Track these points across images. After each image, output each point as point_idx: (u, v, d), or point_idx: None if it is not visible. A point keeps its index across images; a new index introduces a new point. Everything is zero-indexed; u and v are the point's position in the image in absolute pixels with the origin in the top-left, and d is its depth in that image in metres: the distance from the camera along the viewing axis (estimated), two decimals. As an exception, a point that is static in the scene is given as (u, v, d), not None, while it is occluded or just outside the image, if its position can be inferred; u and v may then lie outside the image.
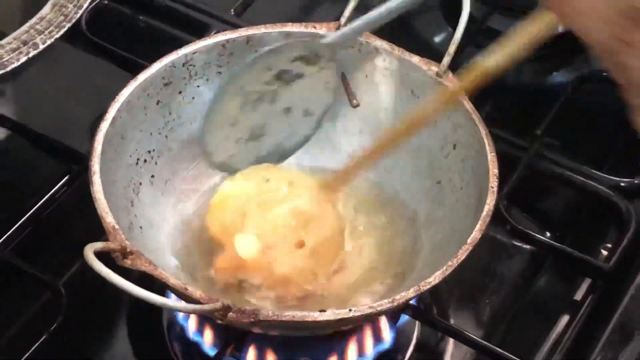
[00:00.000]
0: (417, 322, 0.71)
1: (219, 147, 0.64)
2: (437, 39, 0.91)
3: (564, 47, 0.92)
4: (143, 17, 0.90)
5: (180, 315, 0.69)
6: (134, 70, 0.74)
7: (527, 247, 0.76)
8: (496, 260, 0.76)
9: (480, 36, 0.90)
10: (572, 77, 0.86)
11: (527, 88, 0.91)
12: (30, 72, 0.84)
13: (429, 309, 0.71)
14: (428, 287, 0.59)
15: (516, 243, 0.76)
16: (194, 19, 0.88)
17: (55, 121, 0.83)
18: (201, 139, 0.63)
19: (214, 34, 0.76)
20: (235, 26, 0.83)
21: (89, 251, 0.55)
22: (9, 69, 0.64)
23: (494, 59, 0.55)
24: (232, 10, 0.88)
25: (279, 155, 0.69)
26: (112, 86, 0.73)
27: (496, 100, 0.87)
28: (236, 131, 0.65)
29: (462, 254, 0.60)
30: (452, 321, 0.71)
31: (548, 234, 0.77)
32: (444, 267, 0.60)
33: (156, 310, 0.71)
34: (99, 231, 0.64)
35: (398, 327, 0.70)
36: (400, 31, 0.91)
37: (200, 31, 0.85)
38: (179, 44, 0.72)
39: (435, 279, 0.59)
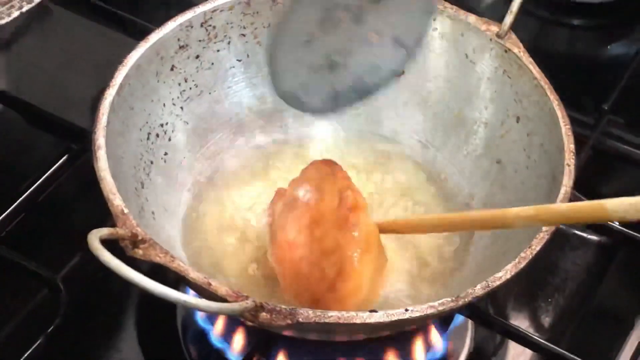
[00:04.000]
0: (470, 323, 0.62)
1: (289, 69, 0.55)
2: (484, 3, 0.82)
3: (620, 16, 0.84)
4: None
5: (199, 316, 0.60)
6: (142, 36, 0.65)
7: (593, 238, 0.68)
8: (558, 253, 0.68)
9: (530, 2, 0.81)
10: (633, 48, 0.78)
11: (581, 59, 0.83)
12: (25, 41, 0.76)
13: (485, 309, 0.62)
14: (498, 282, 0.51)
15: (579, 233, 0.68)
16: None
17: (53, 95, 0.75)
18: (269, 54, 0.52)
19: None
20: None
21: (94, 238, 0.46)
22: (-1, 23, 0.55)
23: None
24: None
25: (358, 93, 0.58)
26: (116, 56, 0.66)
27: (547, 73, 0.79)
28: (311, 53, 0.55)
29: (537, 244, 0.52)
30: (510, 322, 0.62)
31: (617, 223, 0.67)
32: (516, 260, 0.51)
33: (169, 310, 0.62)
34: (103, 218, 0.56)
35: (450, 329, 0.60)
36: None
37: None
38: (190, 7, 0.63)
39: (506, 273, 0.51)
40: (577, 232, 0.68)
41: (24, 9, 0.57)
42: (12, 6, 0.57)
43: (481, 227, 0.56)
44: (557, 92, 0.65)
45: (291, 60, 0.53)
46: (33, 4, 0.57)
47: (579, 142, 0.67)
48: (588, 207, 0.46)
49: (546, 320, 0.64)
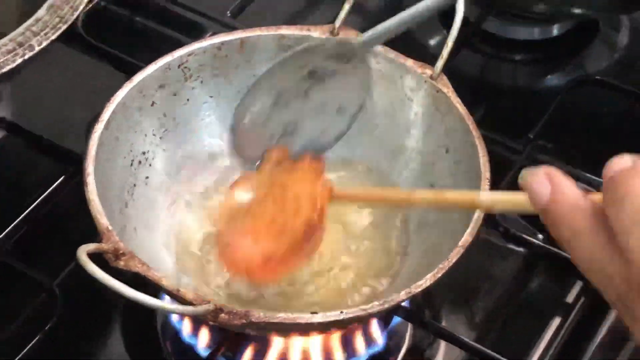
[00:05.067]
0: (409, 324, 0.71)
1: (251, 145, 0.63)
2: (433, 42, 0.91)
3: (557, 50, 0.93)
4: (140, 19, 0.91)
5: (174, 317, 0.69)
6: (130, 71, 0.74)
7: (520, 250, 0.76)
8: (489, 262, 0.76)
9: (475, 39, 0.91)
10: (566, 80, 0.87)
11: (521, 91, 0.91)
12: (26, 73, 0.82)
13: (421, 311, 0.71)
14: (419, 289, 0.59)
15: (509, 246, 0.76)
16: (191, 21, 0.88)
17: (51, 122, 0.83)
18: (232, 137, 0.62)
19: (210, 35, 0.77)
20: (231, 28, 0.83)
21: (82, 253, 0.56)
22: (4, 69, 0.64)
23: (494, 199, 0.55)
24: (228, 13, 0.88)
25: (314, 151, 0.67)
26: (108, 87, 0.74)
27: (490, 103, 0.88)
28: (268, 129, 0.63)
29: (454, 257, 0.60)
30: (444, 323, 0.72)
31: (540, 237, 0.77)
32: (435, 270, 0.60)
33: (150, 311, 0.71)
34: (94, 232, 0.64)
35: (390, 329, 0.70)
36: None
37: (197, 33, 0.86)
38: (175, 45, 0.72)
39: (426, 281, 0.60)
40: (508, 245, 0.77)
41: (26, 57, 0.65)
42: (16, 54, 0.65)
43: (392, 203, 0.67)
44: (494, 120, 0.75)
45: (253, 137, 0.63)
46: (34, 52, 0.66)
47: (508, 165, 0.77)
48: (466, 196, 0.56)
49: (476, 321, 0.73)
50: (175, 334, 0.69)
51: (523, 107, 0.88)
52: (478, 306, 0.74)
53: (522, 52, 0.92)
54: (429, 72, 0.70)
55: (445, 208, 0.63)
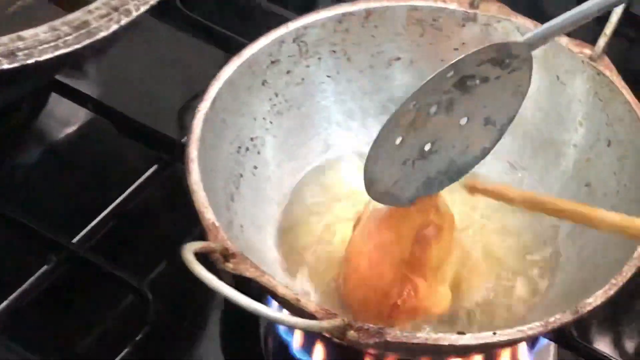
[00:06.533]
0: (553, 346, 0.61)
1: (383, 174, 0.53)
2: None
3: None
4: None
5: (282, 329, 0.60)
6: (231, 49, 0.66)
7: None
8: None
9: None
10: None
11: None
12: (115, 49, 0.76)
13: (569, 331, 0.61)
14: (588, 308, 0.50)
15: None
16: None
17: (141, 104, 0.74)
18: (365, 167, 0.51)
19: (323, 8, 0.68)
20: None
21: (188, 252, 0.46)
22: (98, 37, 0.55)
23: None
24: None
25: (450, 175, 0.56)
26: (204, 66, 0.68)
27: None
28: (403, 152, 0.53)
29: (629, 271, 0.51)
30: (596, 346, 0.61)
31: None
32: (607, 286, 0.51)
33: (252, 320, 0.62)
34: (189, 228, 0.59)
35: (535, 351, 0.60)
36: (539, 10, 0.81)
37: (305, 7, 0.76)
38: (279, 21, 0.63)
39: (596, 299, 0.50)
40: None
41: (122, 23, 0.57)
42: (111, 19, 0.57)
43: (568, 217, 0.56)
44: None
45: (386, 164, 0.52)
46: (131, 18, 0.57)
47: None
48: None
49: (630, 345, 0.64)
50: (283, 348, 0.60)
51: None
52: (632, 328, 0.64)
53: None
54: (587, 51, 0.60)
55: (604, 231, 0.53)
